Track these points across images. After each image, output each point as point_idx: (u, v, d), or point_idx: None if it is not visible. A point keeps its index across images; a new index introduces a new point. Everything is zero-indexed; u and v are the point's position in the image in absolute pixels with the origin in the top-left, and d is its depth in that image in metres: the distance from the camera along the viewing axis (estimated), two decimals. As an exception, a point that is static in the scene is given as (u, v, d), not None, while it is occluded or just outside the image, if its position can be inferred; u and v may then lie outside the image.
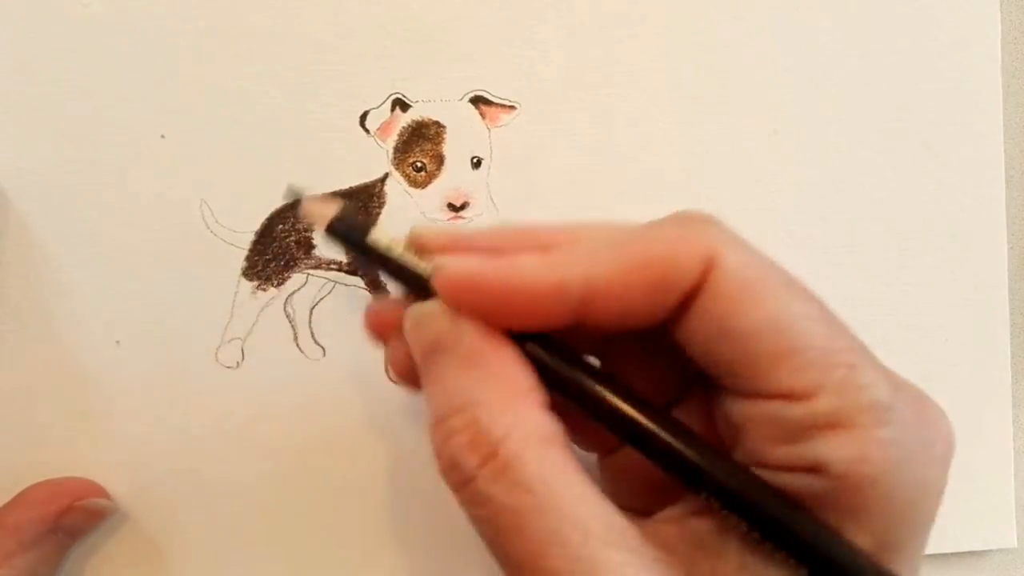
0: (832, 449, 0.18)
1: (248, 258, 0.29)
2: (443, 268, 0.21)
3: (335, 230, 0.23)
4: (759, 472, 0.20)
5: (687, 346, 0.21)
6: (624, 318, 0.20)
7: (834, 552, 0.19)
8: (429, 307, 0.21)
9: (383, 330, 0.24)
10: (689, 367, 0.21)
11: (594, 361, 0.23)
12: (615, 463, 0.24)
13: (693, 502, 0.21)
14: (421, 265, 0.22)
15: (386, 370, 0.25)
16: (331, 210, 0.23)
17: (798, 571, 0.19)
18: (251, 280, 0.29)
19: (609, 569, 0.18)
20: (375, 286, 0.30)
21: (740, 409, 0.20)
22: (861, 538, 0.19)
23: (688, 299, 0.20)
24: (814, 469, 0.19)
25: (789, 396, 0.19)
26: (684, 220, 0.21)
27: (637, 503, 0.22)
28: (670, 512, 0.21)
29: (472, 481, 0.19)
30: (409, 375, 0.23)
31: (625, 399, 0.20)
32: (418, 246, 0.22)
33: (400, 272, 0.22)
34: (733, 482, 0.19)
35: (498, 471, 0.19)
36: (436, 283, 0.21)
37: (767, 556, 0.19)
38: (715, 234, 0.20)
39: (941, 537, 0.32)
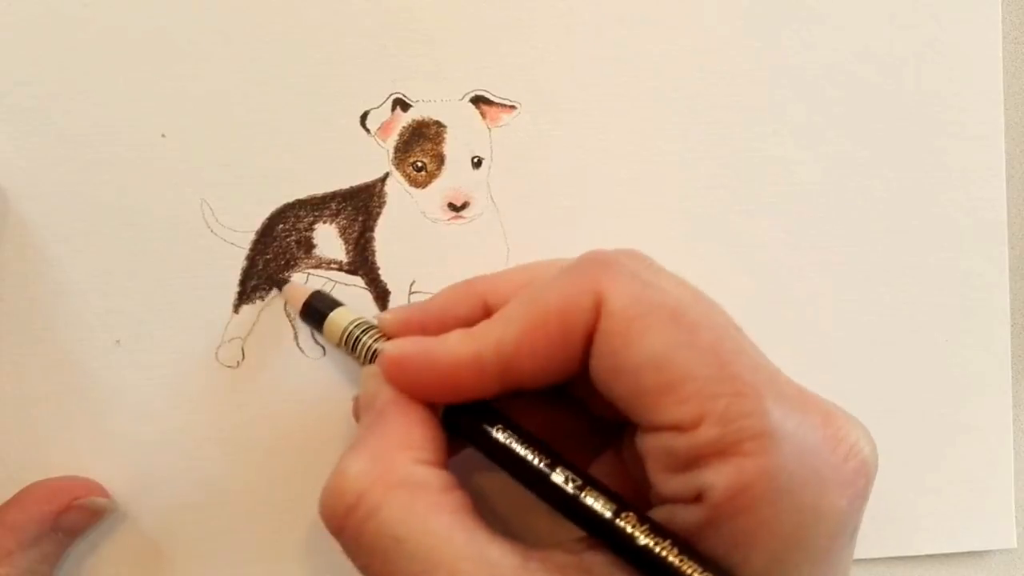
0: (714, 477, 0.19)
1: (248, 258, 0.29)
2: (382, 351, 0.24)
3: (306, 315, 0.28)
4: (659, 508, 0.21)
5: (596, 385, 0.22)
6: (544, 374, 0.22)
7: None
8: (368, 369, 0.25)
9: None
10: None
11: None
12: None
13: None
14: (369, 342, 0.26)
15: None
16: (304, 295, 0.28)
17: None
18: (244, 303, 0.29)
19: None
20: (376, 286, 0.30)
21: (641, 443, 0.21)
22: (750, 566, 0.19)
23: (588, 344, 0.21)
24: (698, 498, 0.19)
25: (676, 428, 0.20)
26: (579, 266, 0.23)
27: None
28: (571, 541, 0.22)
29: (342, 531, 0.21)
30: None
31: (522, 448, 0.22)
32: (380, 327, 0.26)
33: (355, 350, 0.26)
34: (606, 523, 0.21)
35: (362, 520, 0.21)
36: (381, 356, 0.24)
37: None
38: (603, 276, 0.22)
39: (941, 537, 0.32)
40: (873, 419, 0.31)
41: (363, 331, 0.26)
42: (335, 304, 0.28)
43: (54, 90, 0.28)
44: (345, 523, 0.21)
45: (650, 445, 0.21)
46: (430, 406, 0.23)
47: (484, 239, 0.30)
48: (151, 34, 0.29)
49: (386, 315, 0.26)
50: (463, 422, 0.23)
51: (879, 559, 0.32)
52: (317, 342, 0.29)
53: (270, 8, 0.29)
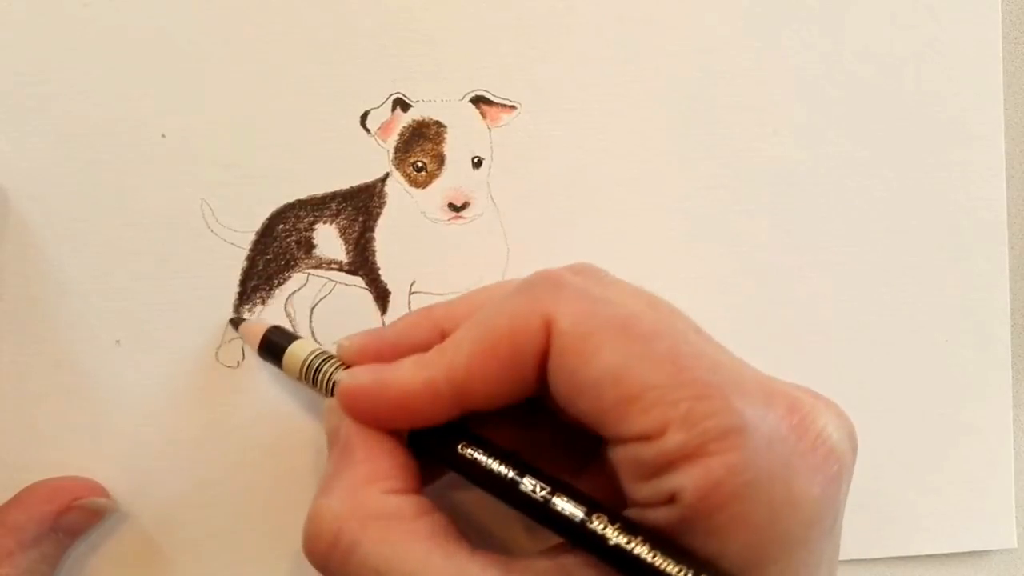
0: (684, 480, 0.19)
1: (248, 258, 0.29)
2: (339, 383, 0.24)
3: (265, 351, 0.28)
4: (632, 511, 0.21)
5: (561, 406, 0.22)
6: (498, 396, 0.22)
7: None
8: (329, 402, 0.25)
9: None
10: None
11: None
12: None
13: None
14: (329, 373, 0.26)
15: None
16: (261, 330, 0.28)
17: None
18: (244, 303, 0.29)
19: None
20: (376, 286, 0.30)
21: (613, 455, 0.21)
22: (727, 559, 0.20)
23: (541, 365, 0.22)
24: (671, 500, 0.20)
25: (642, 438, 0.20)
26: (526, 287, 0.23)
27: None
28: (550, 548, 0.22)
29: (327, 569, 0.22)
30: None
31: (490, 461, 0.23)
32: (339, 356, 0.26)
33: (315, 381, 0.26)
34: (576, 526, 0.21)
35: (345, 555, 0.21)
36: (336, 396, 0.24)
37: None
38: (551, 296, 0.22)
39: (941, 537, 0.32)
40: (873, 419, 0.32)
41: (323, 360, 0.26)
42: (293, 337, 0.28)
43: (54, 90, 0.28)
44: (328, 562, 0.22)
45: (619, 457, 0.21)
46: (395, 433, 0.24)
47: (484, 239, 0.30)
48: (151, 34, 0.29)
49: (344, 342, 0.26)
50: (428, 444, 0.24)
51: (879, 559, 0.32)
52: (317, 342, 0.29)
53: (270, 8, 0.29)
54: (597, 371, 0.20)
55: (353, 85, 0.29)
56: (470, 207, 0.30)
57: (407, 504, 0.22)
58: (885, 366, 0.32)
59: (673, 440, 0.19)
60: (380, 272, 0.30)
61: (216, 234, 0.29)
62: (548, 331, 0.21)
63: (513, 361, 0.22)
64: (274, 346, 0.27)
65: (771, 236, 0.31)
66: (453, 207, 0.30)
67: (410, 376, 0.23)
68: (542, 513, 0.21)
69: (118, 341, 0.29)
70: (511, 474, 0.22)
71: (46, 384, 0.29)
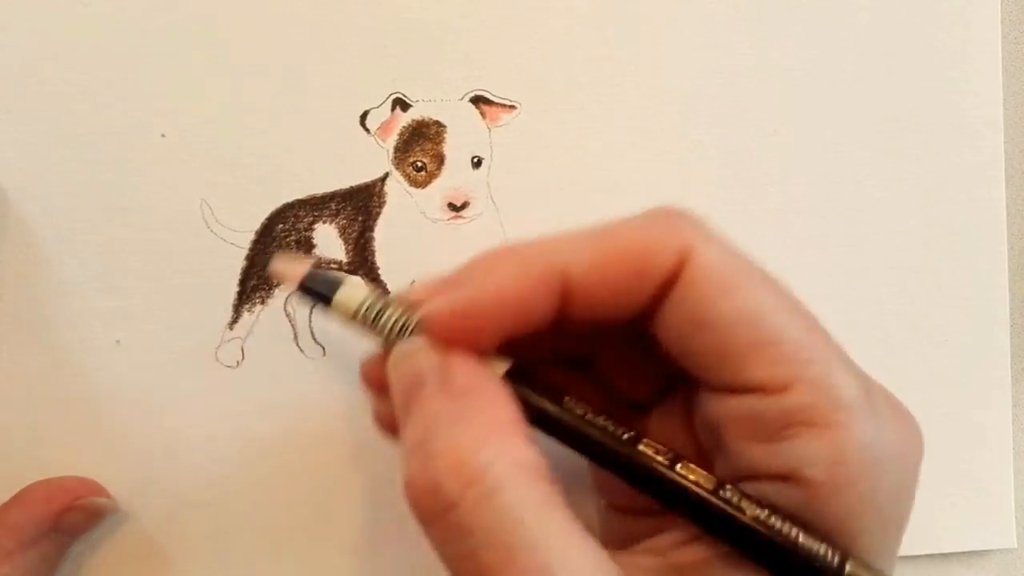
0: (808, 451, 0.18)
1: (248, 258, 0.29)
2: (430, 304, 0.21)
3: (308, 289, 0.23)
4: (742, 484, 0.19)
5: (664, 340, 0.21)
6: (603, 309, 0.20)
7: (817, 561, 0.18)
8: (413, 344, 0.21)
9: (378, 382, 0.23)
10: (670, 365, 0.21)
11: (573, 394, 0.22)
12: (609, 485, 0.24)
13: (676, 534, 0.20)
14: (396, 314, 0.22)
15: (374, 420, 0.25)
16: (302, 269, 0.23)
17: None
18: (244, 303, 0.29)
19: None
20: (375, 286, 0.30)
21: (717, 406, 0.20)
22: (856, 548, 0.19)
23: (664, 291, 0.20)
24: (791, 476, 0.18)
25: (763, 389, 0.19)
26: (660, 214, 0.21)
27: (630, 526, 0.22)
28: (654, 542, 0.21)
29: (454, 508, 0.18)
30: (392, 426, 0.22)
31: (599, 427, 0.20)
32: (399, 303, 0.22)
33: (376, 324, 0.22)
34: (707, 497, 0.19)
35: (484, 497, 0.18)
36: (424, 319, 0.21)
37: None
38: (691, 228, 0.20)
39: (941, 537, 0.32)
40: (873, 419, 0.31)
41: (383, 304, 0.22)
42: (338, 277, 0.24)
43: (54, 90, 0.28)
44: (459, 501, 0.18)
45: (729, 408, 0.19)
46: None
47: (484, 239, 0.30)
48: (151, 34, 0.29)
49: (414, 292, 0.23)
50: (527, 393, 0.21)
51: (879, 559, 0.32)
52: (317, 342, 0.29)
53: (270, 8, 0.29)
54: (732, 310, 0.19)
55: (353, 85, 0.29)
56: (470, 207, 0.30)
57: (543, 460, 0.19)
58: (885, 366, 0.32)
59: (798, 399, 0.18)
60: (380, 272, 0.30)
61: (216, 234, 0.29)
62: (683, 259, 0.20)
63: (637, 276, 0.20)
64: (322, 282, 0.23)
65: (771, 236, 0.31)
66: (453, 207, 0.30)
67: (517, 276, 0.20)
68: (659, 482, 0.19)
69: (118, 341, 0.29)
70: (626, 435, 0.20)
71: (46, 384, 0.29)
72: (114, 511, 0.29)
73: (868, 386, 0.20)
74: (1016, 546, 0.33)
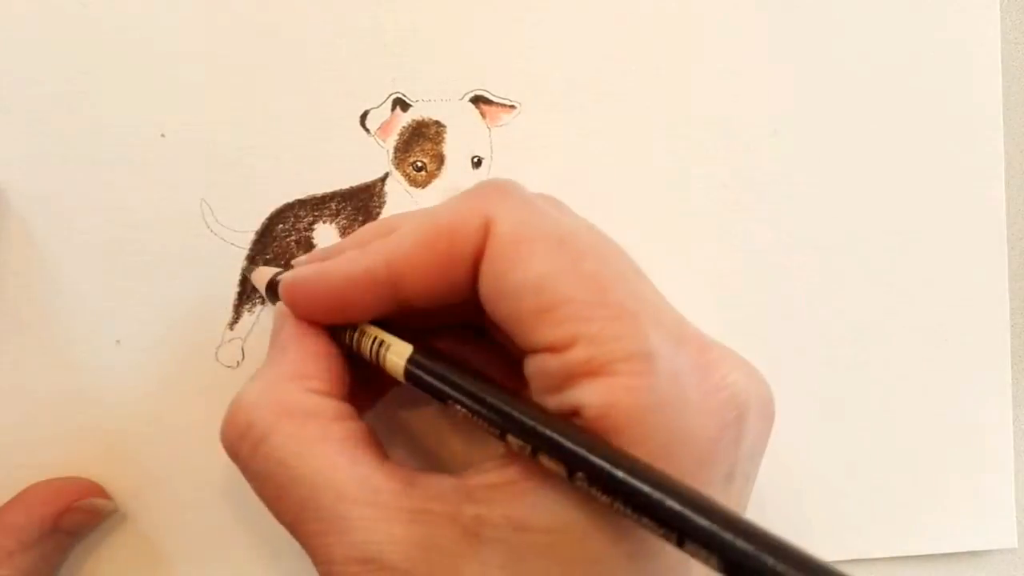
0: (585, 395, 0.20)
1: (248, 258, 0.29)
2: (283, 278, 0.24)
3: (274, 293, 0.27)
4: None
5: (487, 312, 0.22)
6: (434, 291, 0.22)
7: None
8: (276, 308, 0.25)
9: None
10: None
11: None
12: None
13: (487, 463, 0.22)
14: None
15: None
16: (268, 274, 0.27)
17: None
18: (244, 303, 0.29)
19: (358, 525, 0.20)
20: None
21: (525, 368, 0.21)
22: None
23: (476, 265, 0.22)
24: (574, 414, 0.20)
25: (551, 349, 0.20)
26: (474, 190, 0.23)
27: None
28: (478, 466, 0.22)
29: (237, 456, 0.22)
30: None
31: (477, 396, 0.22)
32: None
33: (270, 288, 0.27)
34: (500, 403, 0.21)
35: (253, 445, 0.22)
36: (280, 291, 0.24)
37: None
38: (495, 200, 0.22)
39: (941, 537, 0.32)
40: (873, 419, 0.32)
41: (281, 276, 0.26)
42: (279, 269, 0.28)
43: (54, 90, 0.28)
44: (239, 449, 0.22)
45: (530, 369, 0.21)
46: (331, 342, 0.24)
47: (484, 239, 0.30)
48: (151, 34, 0.29)
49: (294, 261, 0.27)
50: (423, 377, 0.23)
51: (879, 559, 0.32)
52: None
53: (270, 8, 0.29)
54: (522, 277, 0.21)
55: (353, 85, 0.29)
56: (470, 207, 0.30)
57: (326, 406, 0.22)
58: (885, 366, 0.32)
59: (579, 354, 0.20)
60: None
61: (216, 234, 0.29)
62: (486, 232, 0.21)
63: (451, 256, 0.22)
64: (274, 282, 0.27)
65: (771, 236, 0.31)
66: (453, 207, 0.30)
67: (350, 265, 0.23)
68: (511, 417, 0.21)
69: (118, 341, 0.29)
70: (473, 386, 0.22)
71: (46, 384, 0.29)
72: (114, 511, 0.29)
73: (676, 339, 0.21)
74: (1016, 546, 0.33)
